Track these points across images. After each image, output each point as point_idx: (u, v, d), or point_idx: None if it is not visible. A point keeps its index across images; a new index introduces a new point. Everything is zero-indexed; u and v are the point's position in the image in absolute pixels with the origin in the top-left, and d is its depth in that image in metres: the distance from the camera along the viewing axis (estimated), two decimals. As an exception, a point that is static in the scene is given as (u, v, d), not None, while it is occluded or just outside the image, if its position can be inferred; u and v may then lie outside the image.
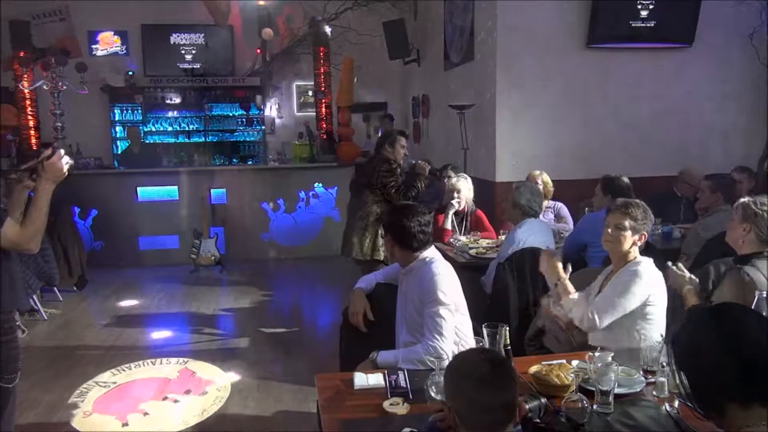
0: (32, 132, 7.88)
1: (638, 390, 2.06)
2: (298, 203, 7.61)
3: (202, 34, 9.80)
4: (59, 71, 7.07)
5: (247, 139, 10.09)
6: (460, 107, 5.95)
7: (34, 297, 5.23)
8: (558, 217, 4.92)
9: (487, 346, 2.16)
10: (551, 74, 5.74)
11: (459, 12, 6.75)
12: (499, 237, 4.47)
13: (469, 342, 2.53)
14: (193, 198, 7.24)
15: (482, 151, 6.04)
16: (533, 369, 2.12)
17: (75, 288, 6.05)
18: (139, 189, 7.27)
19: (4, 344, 2.17)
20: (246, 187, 7.54)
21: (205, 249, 7.01)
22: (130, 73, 9.57)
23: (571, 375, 2.01)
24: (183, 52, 9.80)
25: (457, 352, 2.41)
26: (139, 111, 9.70)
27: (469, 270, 3.89)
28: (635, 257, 2.52)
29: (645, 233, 2.52)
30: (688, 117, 5.98)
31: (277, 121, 10.30)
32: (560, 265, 2.65)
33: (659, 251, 3.58)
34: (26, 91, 7.70)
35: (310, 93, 9.38)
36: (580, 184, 5.37)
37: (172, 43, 9.77)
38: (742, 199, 2.65)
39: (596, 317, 2.42)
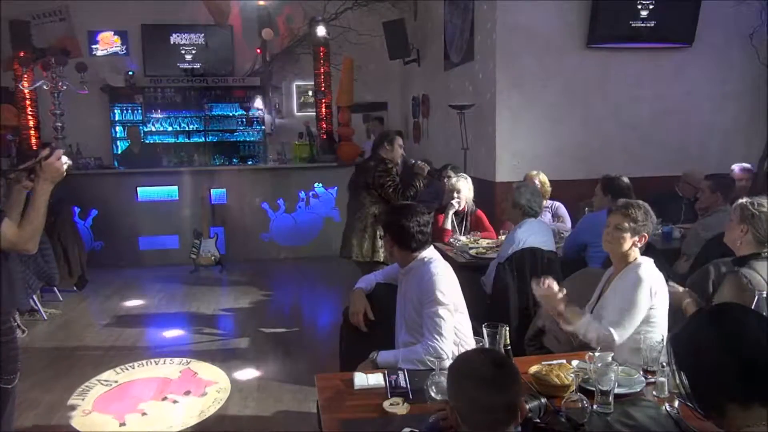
0: (32, 132, 7.89)
1: (638, 390, 2.06)
2: (298, 203, 7.62)
3: (202, 34, 9.80)
4: (59, 71, 7.07)
5: (247, 139, 10.08)
6: (460, 107, 5.95)
7: (34, 297, 5.23)
8: (556, 217, 4.92)
9: (487, 346, 2.16)
10: (551, 74, 5.74)
11: (459, 12, 6.75)
12: (499, 237, 4.47)
13: (469, 342, 2.52)
14: (193, 198, 7.25)
15: (482, 151, 6.04)
16: (533, 369, 2.12)
17: (75, 288, 6.05)
18: (139, 189, 7.27)
19: (3, 345, 2.16)
20: (246, 187, 7.54)
21: (205, 249, 7.01)
22: (130, 73, 9.57)
23: (571, 375, 2.01)
24: (183, 52, 9.80)
25: (456, 352, 2.42)
26: (139, 111, 9.69)
27: (469, 270, 3.89)
28: (636, 258, 2.49)
29: (645, 235, 2.48)
30: (688, 117, 5.97)
31: (277, 121, 10.30)
32: (560, 296, 2.44)
33: (659, 251, 3.58)
34: (26, 91, 7.71)
35: (310, 93, 9.38)
36: (580, 184, 5.37)
37: (172, 43, 9.77)
38: (740, 200, 2.65)
39: (614, 334, 2.32)
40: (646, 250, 2.62)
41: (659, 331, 2.38)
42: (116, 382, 4.03)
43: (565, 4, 5.67)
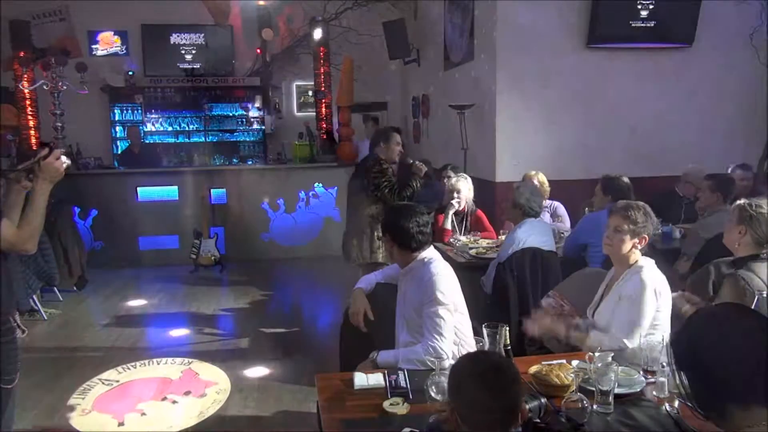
0: (32, 132, 7.87)
1: (638, 390, 2.06)
2: (298, 203, 7.62)
3: (202, 34, 9.79)
4: (59, 71, 7.07)
5: (247, 139, 10.07)
6: (460, 107, 5.95)
7: (34, 297, 5.24)
8: (555, 217, 4.92)
9: (487, 346, 2.16)
10: (551, 74, 5.74)
11: (459, 12, 6.75)
12: (499, 237, 4.47)
13: (469, 342, 2.53)
14: (193, 198, 7.25)
15: (482, 151, 6.04)
16: (533, 369, 2.12)
17: (75, 288, 6.05)
18: (139, 189, 7.27)
19: (3, 345, 2.16)
20: (246, 187, 7.54)
21: (205, 249, 7.01)
22: (130, 73, 9.56)
23: (571, 375, 2.01)
24: (183, 52, 9.79)
25: (457, 352, 2.42)
26: (139, 111, 9.68)
27: (469, 270, 3.90)
28: (636, 260, 2.47)
29: (646, 236, 2.46)
30: (688, 117, 5.97)
31: (277, 121, 10.30)
32: (561, 328, 2.48)
33: (659, 251, 3.58)
34: (26, 91, 7.70)
35: (310, 93, 9.38)
36: (580, 184, 5.37)
37: (172, 43, 9.76)
38: (738, 202, 2.64)
39: (627, 344, 2.33)
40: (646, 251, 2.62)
41: (660, 332, 2.37)
42: (117, 381, 4.03)
43: (565, 4, 5.67)
